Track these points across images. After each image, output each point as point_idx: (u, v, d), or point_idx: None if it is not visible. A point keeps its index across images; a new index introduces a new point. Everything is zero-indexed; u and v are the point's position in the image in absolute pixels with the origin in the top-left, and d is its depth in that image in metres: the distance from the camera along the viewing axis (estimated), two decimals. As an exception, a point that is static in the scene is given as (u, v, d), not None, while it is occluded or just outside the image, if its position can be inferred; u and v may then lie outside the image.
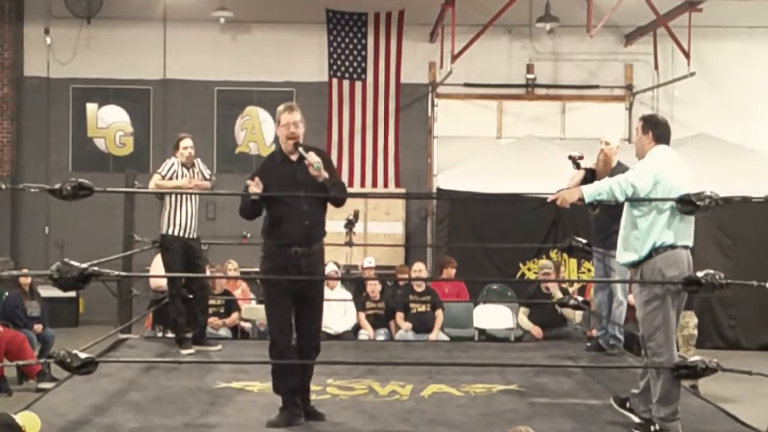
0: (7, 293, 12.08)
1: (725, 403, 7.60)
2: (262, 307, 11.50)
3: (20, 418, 5.26)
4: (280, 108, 6.39)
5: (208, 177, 9.14)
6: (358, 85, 16.46)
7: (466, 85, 16.19)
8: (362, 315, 11.24)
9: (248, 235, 15.82)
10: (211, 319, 10.44)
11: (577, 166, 8.54)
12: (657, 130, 6.15)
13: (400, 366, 8.03)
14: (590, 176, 8.16)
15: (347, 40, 16.36)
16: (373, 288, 11.45)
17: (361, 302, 11.36)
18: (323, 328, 11.03)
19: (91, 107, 16.53)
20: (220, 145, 16.48)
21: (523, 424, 4.05)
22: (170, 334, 9.71)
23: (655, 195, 5.94)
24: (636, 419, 6.18)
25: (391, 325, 11.28)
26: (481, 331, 11.66)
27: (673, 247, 5.93)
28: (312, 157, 6.18)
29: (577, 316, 10.77)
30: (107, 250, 8.42)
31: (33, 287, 11.87)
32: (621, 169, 7.80)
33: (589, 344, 9.07)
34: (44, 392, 7.47)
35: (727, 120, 15.80)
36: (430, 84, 16.48)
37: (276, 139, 7.29)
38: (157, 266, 10.30)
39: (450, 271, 11.98)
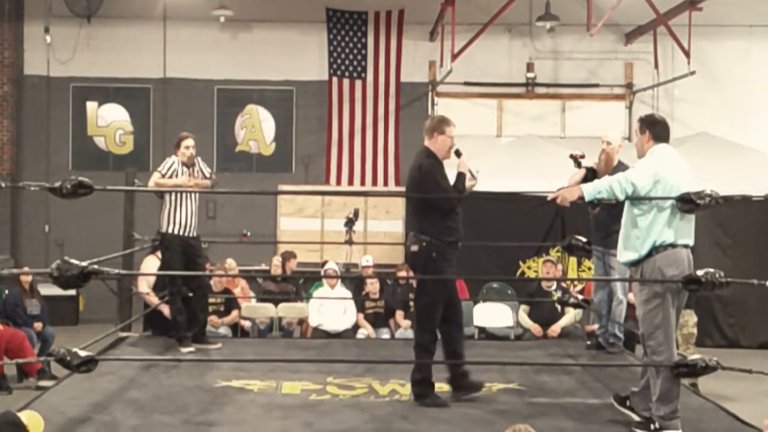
0: (7, 291, 12.10)
1: (725, 402, 7.60)
2: (261, 305, 11.63)
3: (24, 417, 5.26)
4: (443, 120, 7.03)
5: (208, 175, 9.13)
6: (358, 83, 16.46)
7: (466, 83, 16.19)
8: (361, 315, 11.26)
9: (248, 234, 15.85)
10: (210, 318, 10.45)
11: (579, 165, 8.54)
12: (655, 129, 6.15)
13: (400, 364, 8.03)
14: (591, 175, 8.16)
15: (347, 38, 16.36)
16: (373, 286, 11.47)
17: (360, 301, 11.38)
18: (321, 327, 11.12)
19: (91, 106, 16.54)
20: (220, 143, 16.48)
21: (523, 423, 4.05)
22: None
23: (655, 194, 5.95)
24: (636, 418, 6.18)
25: (391, 324, 11.29)
26: (481, 330, 11.67)
27: (673, 245, 5.93)
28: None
29: (577, 314, 10.78)
30: (107, 249, 8.42)
31: (33, 285, 11.88)
32: (622, 168, 7.79)
33: (589, 342, 9.08)
34: (44, 390, 7.47)
35: (727, 119, 15.80)
36: (430, 83, 16.49)
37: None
38: (146, 269, 10.24)
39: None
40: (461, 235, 6.92)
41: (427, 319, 6.91)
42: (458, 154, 7.02)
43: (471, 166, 7.11)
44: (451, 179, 6.96)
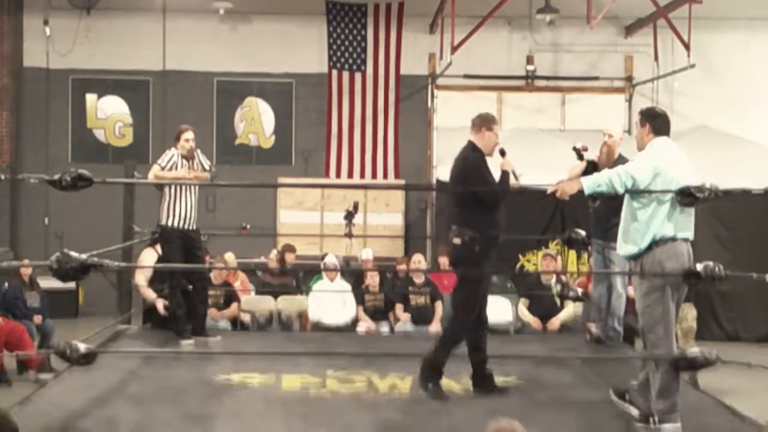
0: (6, 284, 12.09)
1: (724, 396, 7.60)
2: (261, 298, 11.62)
3: None
4: (492, 118, 7.19)
5: (207, 168, 9.13)
6: (358, 76, 16.44)
7: (466, 76, 16.16)
8: (361, 308, 11.24)
9: (248, 227, 15.84)
10: (210, 311, 10.44)
11: (581, 158, 8.52)
12: (655, 122, 6.14)
13: (399, 358, 8.04)
14: (592, 168, 8.14)
15: (347, 31, 16.33)
16: (373, 280, 11.46)
17: (360, 294, 11.37)
18: (321, 320, 11.11)
19: (90, 98, 16.52)
20: (219, 136, 16.47)
21: (518, 417, 4.02)
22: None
23: (655, 187, 5.94)
24: (635, 411, 6.18)
25: (391, 317, 11.28)
26: (481, 323, 11.64)
27: (673, 239, 5.92)
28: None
29: (577, 308, 10.77)
30: (107, 241, 8.45)
31: (33, 278, 11.88)
32: (623, 161, 7.77)
33: (589, 337, 9.08)
34: (44, 383, 7.48)
35: (727, 112, 15.79)
36: (429, 75, 16.46)
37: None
38: (144, 262, 10.23)
39: (445, 261, 11.97)
40: (503, 230, 7.01)
41: (464, 313, 6.97)
42: (503, 153, 7.15)
43: (515, 166, 7.19)
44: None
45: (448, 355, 6.94)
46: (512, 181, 7.15)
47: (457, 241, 6.91)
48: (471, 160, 6.97)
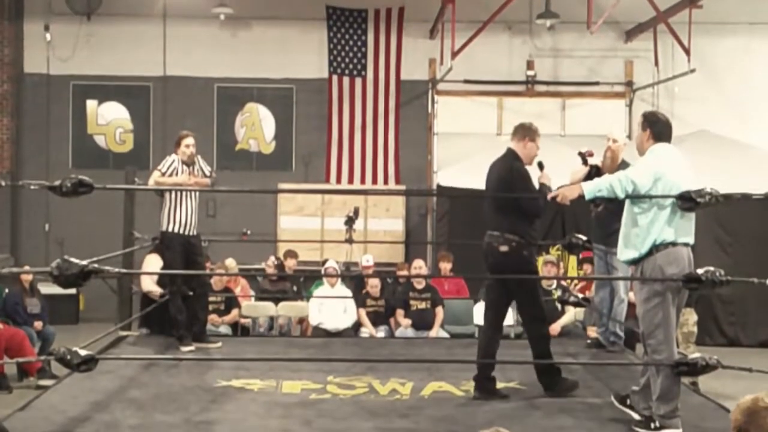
0: (7, 290, 12.10)
1: (725, 400, 7.58)
2: (261, 304, 11.62)
3: None
4: (535, 129, 7.23)
5: (208, 174, 9.12)
6: (358, 81, 16.45)
7: (466, 81, 16.17)
8: (363, 312, 11.24)
9: (248, 232, 15.84)
10: (211, 317, 10.44)
11: (585, 163, 8.51)
12: (656, 127, 6.14)
13: (400, 363, 8.03)
14: (595, 173, 8.13)
15: (347, 36, 16.35)
16: (373, 285, 11.46)
17: (361, 299, 11.37)
18: (321, 326, 11.11)
19: (91, 104, 16.53)
20: (220, 141, 16.47)
21: (519, 421, 4.02)
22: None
23: (656, 192, 5.94)
24: (636, 416, 6.18)
25: (392, 322, 11.28)
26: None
27: (673, 244, 5.92)
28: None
29: (578, 313, 10.78)
30: (107, 247, 8.42)
31: (33, 284, 11.88)
32: (626, 166, 7.77)
33: (589, 341, 9.08)
34: (44, 389, 7.47)
35: (728, 116, 15.78)
36: (430, 81, 16.47)
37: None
38: (148, 267, 10.22)
39: (445, 266, 11.98)
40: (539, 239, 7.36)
41: (535, 309, 7.16)
42: (541, 166, 7.24)
43: (550, 180, 7.26)
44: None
45: (549, 351, 7.14)
46: (549, 194, 7.20)
47: (504, 248, 7.00)
48: (518, 170, 7.08)
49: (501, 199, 7.12)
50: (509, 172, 7.07)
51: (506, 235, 6.98)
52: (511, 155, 7.17)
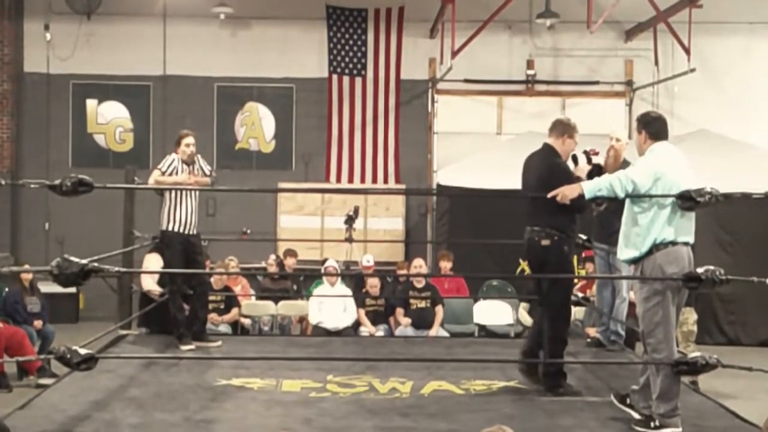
0: (7, 289, 12.10)
1: (725, 399, 7.60)
2: (261, 303, 11.62)
3: None
4: (574, 126, 7.25)
5: (208, 173, 9.12)
6: (358, 81, 16.45)
7: (466, 81, 16.18)
8: (362, 311, 11.24)
9: (248, 231, 15.84)
10: (211, 316, 10.44)
11: (589, 161, 8.50)
12: (650, 127, 6.16)
13: (400, 362, 8.03)
14: (598, 171, 8.12)
15: (347, 36, 16.35)
16: (373, 285, 11.46)
17: (361, 298, 11.37)
18: (321, 325, 11.12)
19: (90, 103, 16.53)
20: (219, 141, 16.47)
21: (519, 420, 4.03)
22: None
23: (656, 191, 5.94)
24: (636, 415, 6.18)
25: (391, 321, 11.28)
26: (481, 327, 11.66)
27: (673, 243, 5.93)
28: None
29: (578, 313, 10.76)
30: (107, 246, 8.42)
31: (33, 283, 11.88)
32: (627, 166, 7.77)
33: (589, 340, 9.08)
34: (44, 388, 7.46)
35: (728, 116, 15.78)
36: (430, 80, 16.48)
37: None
38: (148, 266, 10.21)
39: (445, 265, 11.98)
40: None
41: (563, 311, 7.15)
42: (576, 161, 7.33)
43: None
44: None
45: (562, 355, 7.10)
46: None
47: (545, 242, 7.02)
48: (561, 165, 7.11)
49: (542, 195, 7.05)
50: (549, 169, 7.06)
51: (548, 230, 7.02)
52: (550, 151, 7.17)
